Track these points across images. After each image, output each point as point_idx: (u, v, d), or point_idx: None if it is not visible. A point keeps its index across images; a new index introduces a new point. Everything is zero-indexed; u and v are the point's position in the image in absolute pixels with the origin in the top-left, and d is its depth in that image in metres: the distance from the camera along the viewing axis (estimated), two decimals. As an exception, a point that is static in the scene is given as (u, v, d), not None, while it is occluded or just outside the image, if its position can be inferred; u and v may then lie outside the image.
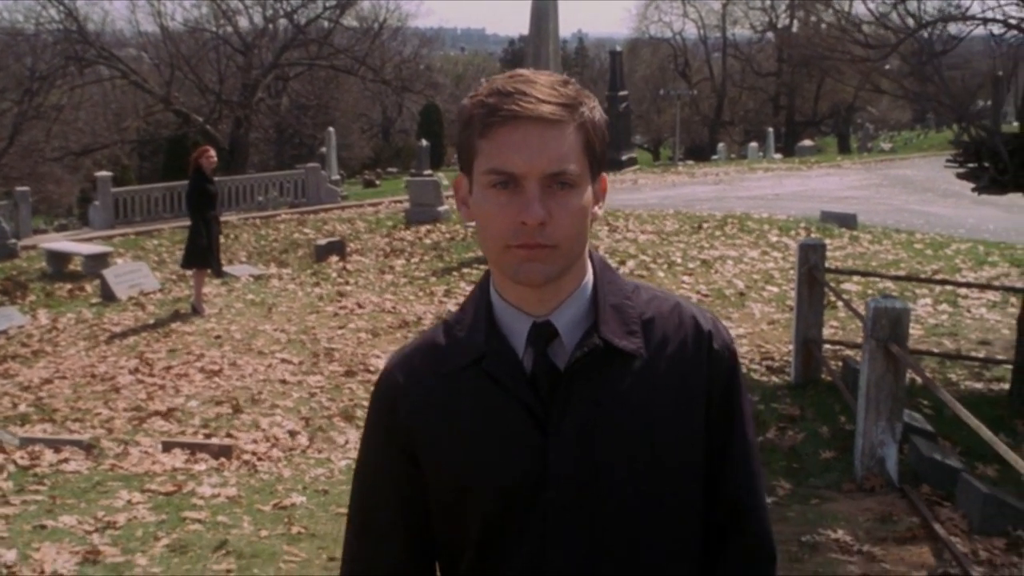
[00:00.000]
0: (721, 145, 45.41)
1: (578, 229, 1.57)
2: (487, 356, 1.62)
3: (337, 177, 31.30)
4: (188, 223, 13.41)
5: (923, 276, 13.02)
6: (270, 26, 32.74)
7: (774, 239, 16.10)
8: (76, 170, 35.13)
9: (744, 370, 9.12)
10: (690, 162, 38.37)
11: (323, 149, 35.09)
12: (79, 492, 6.49)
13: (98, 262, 15.42)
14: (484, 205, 1.57)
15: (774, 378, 9.24)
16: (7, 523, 5.88)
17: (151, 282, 14.40)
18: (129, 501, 6.26)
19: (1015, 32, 7.92)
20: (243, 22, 32.54)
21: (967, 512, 5.80)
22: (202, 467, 7.04)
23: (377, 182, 40.24)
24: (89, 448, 7.48)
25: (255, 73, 31.88)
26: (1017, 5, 8.06)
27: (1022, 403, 7.68)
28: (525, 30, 18.27)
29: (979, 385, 9.06)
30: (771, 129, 46.63)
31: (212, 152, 13.24)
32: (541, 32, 15.71)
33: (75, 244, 17.48)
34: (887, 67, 11.52)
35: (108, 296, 13.80)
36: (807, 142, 42.64)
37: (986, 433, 4.95)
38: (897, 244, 16.01)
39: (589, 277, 1.68)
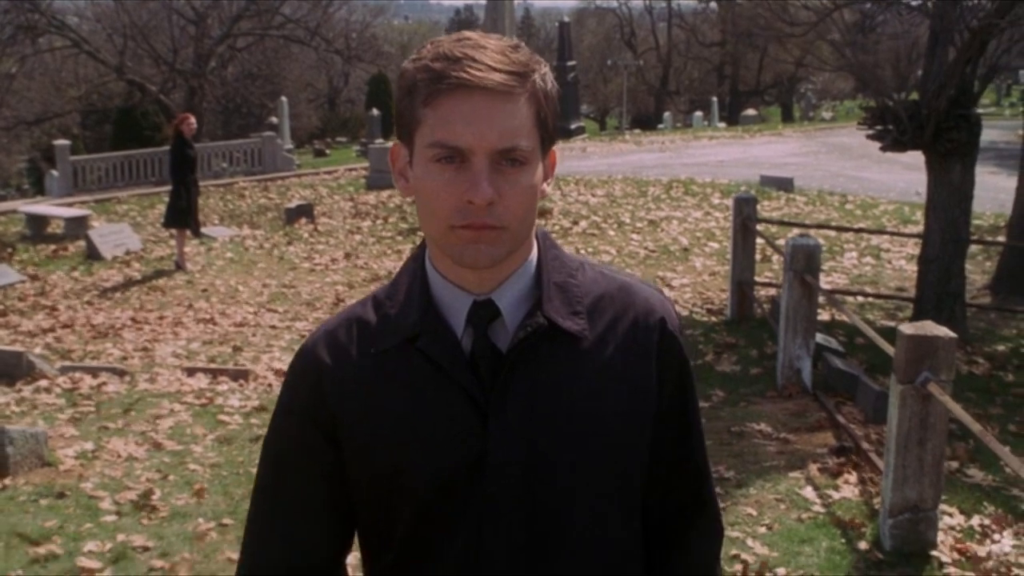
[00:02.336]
0: (667, 114, 46.95)
1: (528, 209, 1.49)
2: (423, 335, 1.53)
3: (291, 146, 32.37)
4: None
5: (841, 227, 14.62)
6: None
7: (716, 201, 17.62)
8: (18, 139, 35.78)
9: (686, 312, 10.84)
10: (636, 131, 39.77)
11: (272, 119, 36.09)
12: (125, 405, 7.79)
13: (79, 224, 16.55)
14: (426, 180, 1.47)
15: (712, 317, 10.73)
16: (74, 426, 7.19)
17: (134, 242, 15.60)
18: (171, 410, 7.60)
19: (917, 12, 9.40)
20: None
21: (863, 407, 7.32)
22: (224, 387, 8.38)
23: (327, 151, 41.34)
24: (122, 373, 8.76)
25: (208, 43, 32.79)
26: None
27: (921, 331, 9.21)
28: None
29: (892, 323, 10.63)
30: (715, 98, 48.34)
31: (192, 119, 14.52)
32: (498, 8, 17.02)
33: (55, 208, 18.58)
34: (829, 37, 12.90)
35: (94, 255, 14.97)
36: (750, 111, 44.31)
37: (880, 341, 6.41)
38: (830, 206, 17.62)
39: (534, 254, 1.60)
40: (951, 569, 4.99)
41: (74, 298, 13.26)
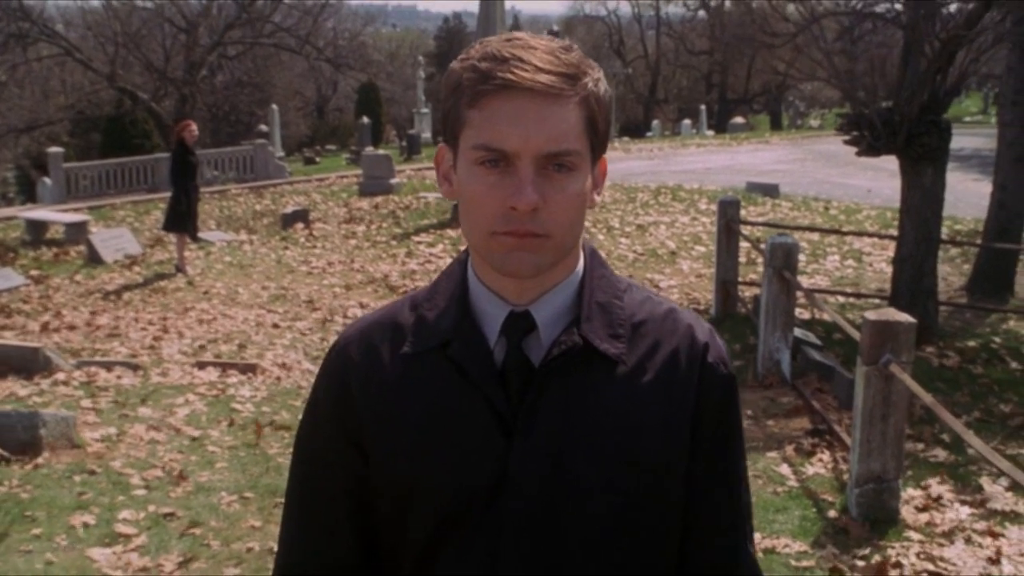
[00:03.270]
0: (656, 122, 47.57)
1: (574, 217, 1.46)
2: (454, 341, 1.51)
3: (282, 154, 32.90)
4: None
5: (818, 228, 15.27)
6: (214, 4, 34.19)
7: (703, 207, 18.21)
8: (6, 146, 36.26)
9: None
10: (625, 139, 40.36)
11: (262, 127, 36.59)
12: (140, 396, 8.32)
13: (78, 230, 17.07)
14: (470, 184, 1.45)
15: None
16: (96, 414, 7.71)
17: (134, 246, 16.11)
18: (186, 400, 8.13)
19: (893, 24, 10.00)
20: (187, -2, 33.98)
21: (838, 395, 7.89)
22: (234, 379, 8.91)
23: (317, 159, 41.82)
24: (135, 368, 9.28)
25: (199, 51, 33.35)
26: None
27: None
28: (458, 7, 20.11)
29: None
30: (704, 107, 49.07)
31: (194, 126, 15.04)
32: (490, 16, 17.62)
33: (54, 213, 19.10)
34: (820, 45, 13.47)
35: (95, 259, 15.47)
36: (739, 119, 45.04)
37: (849, 328, 6.98)
38: (814, 211, 18.24)
39: (579, 269, 1.55)
40: (912, 534, 5.55)
41: (77, 300, 13.75)
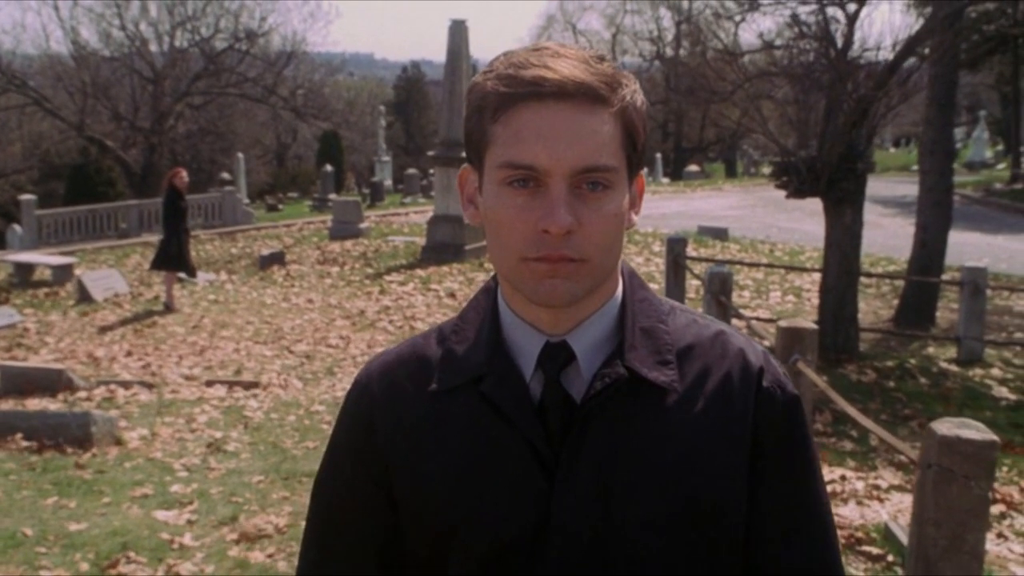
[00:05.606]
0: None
1: (611, 240, 1.36)
2: (487, 377, 1.41)
3: (248, 201, 34.33)
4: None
5: (762, 264, 16.95)
6: (180, 56, 35.73)
7: (657, 249, 19.82)
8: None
9: None
10: (583, 186, 42.04)
11: (224, 174, 38.03)
12: (160, 408, 9.68)
13: (65, 271, 18.38)
14: (497, 206, 1.35)
15: (650, 342, 12.83)
16: (127, 420, 9.07)
17: (122, 286, 17.45)
18: (202, 410, 9.51)
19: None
20: (154, 47, 35.46)
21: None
22: (240, 394, 10.29)
23: (279, 206, 43.27)
24: (150, 386, 10.64)
25: (166, 101, 34.84)
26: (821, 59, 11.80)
27: (823, 348, 11.34)
28: (415, 56, 21.82)
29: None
30: (660, 155, 51.04)
31: (184, 173, 16.50)
32: (456, 71, 19.24)
33: (42, 256, 20.41)
34: (775, 93, 15.04)
35: (85, 298, 16.77)
36: (693, 167, 47.11)
37: (771, 339, 8.49)
38: (761, 252, 19.92)
39: (618, 294, 1.46)
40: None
41: (74, 335, 15.04)
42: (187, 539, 6.18)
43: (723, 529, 1.42)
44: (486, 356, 1.44)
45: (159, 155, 34.40)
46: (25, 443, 8.07)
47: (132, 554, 5.92)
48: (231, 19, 38.06)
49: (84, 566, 5.76)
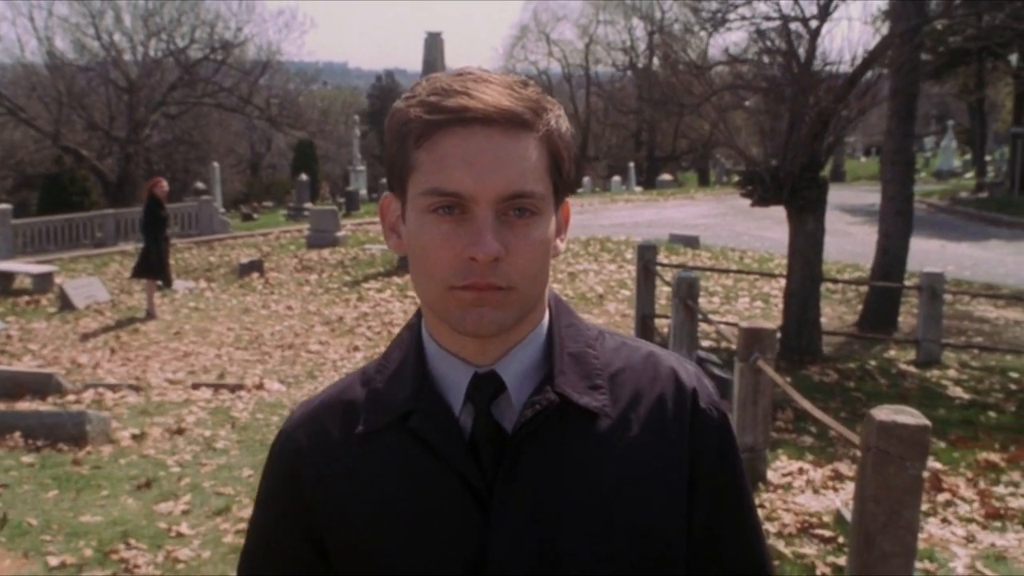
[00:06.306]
0: (586, 179, 50.02)
1: (539, 267, 1.35)
2: (415, 413, 1.39)
3: (224, 210, 34.66)
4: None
5: (731, 270, 17.50)
6: (156, 65, 36.09)
7: (629, 256, 20.30)
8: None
9: None
10: (557, 195, 42.53)
11: (199, 184, 38.36)
12: (150, 409, 10.08)
13: (46, 280, 18.74)
14: (421, 234, 1.32)
15: (622, 346, 13.32)
16: (117, 420, 9.47)
17: (103, 294, 17.82)
18: (191, 411, 9.92)
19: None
20: (128, 57, 35.79)
21: (730, 403, 9.89)
22: (226, 396, 10.70)
23: (254, 215, 43.54)
24: (138, 389, 11.03)
25: (142, 111, 35.18)
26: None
27: (787, 350, 11.86)
28: (389, 65, 22.29)
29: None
30: (633, 164, 51.66)
31: (164, 182, 16.92)
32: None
33: (21, 265, 20.73)
34: (746, 103, 15.55)
35: (67, 306, 17.14)
36: (666, 176, 47.80)
37: (733, 340, 8.98)
38: (731, 260, 20.46)
39: (545, 320, 1.45)
40: (776, 491, 7.51)
41: (57, 341, 15.40)
42: (184, 527, 6.60)
43: (663, 553, 1.41)
44: (412, 392, 1.41)
45: (135, 164, 34.72)
46: (23, 442, 8.47)
47: (132, 541, 6.34)
48: (206, 29, 38.54)
49: (88, 552, 6.18)
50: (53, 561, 6.01)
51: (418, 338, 1.45)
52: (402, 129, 1.34)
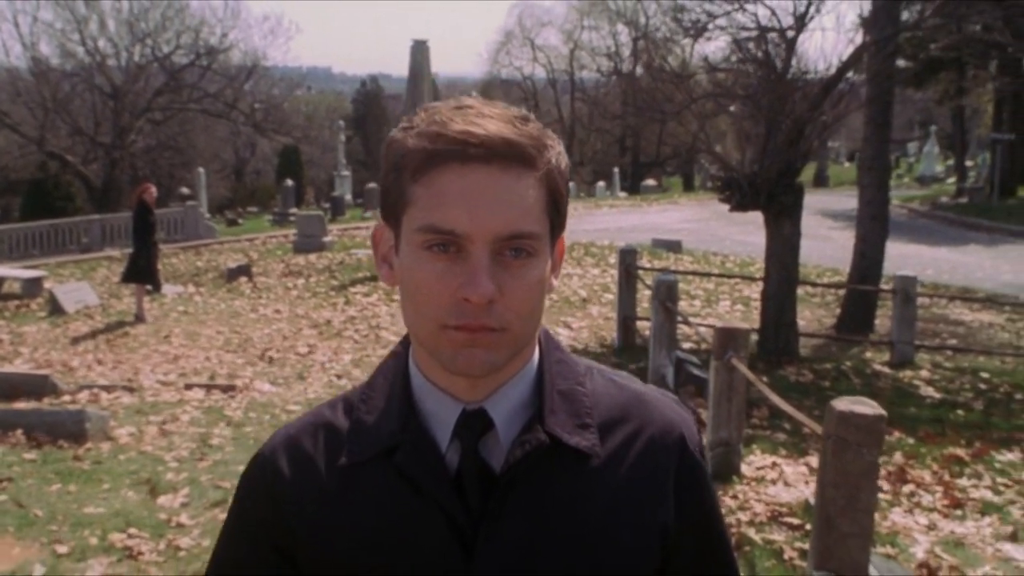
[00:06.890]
0: (571, 184, 50.44)
1: (533, 308, 1.34)
2: (400, 448, 1.37)
3: (209, 215, 34.99)
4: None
5: (711, 274, 17.94)
6: (141, 71, 36.40)
7: (612, 261, 20.63)
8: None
9: (582, 347, 13.79)
10: (542, 200, 42.97)
11: (184, 189, 38.65)
12: (145, 409, 10.43)
13: (35, 284, 19.06)
14: (415, 271, 1.31)
15: (603, 348, 13.71)
16: (113, 420, 9.82)
17: (93, 298, 18.15)
18: (185, 410, 10.27)
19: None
20: (113, 63, 36.09)
21: (706, 400, 10.30)
22: (218, 396, 11.05)
23: (239, 221, 43.89)
24: (131, 390, 11.37)
25: (127, 116, 35.48)
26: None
27: (764, 351, 12.27)
28: (373, 70, 22.68)
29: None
30: (617, 169, 52.16)
31: (153, 188, 17.27)
32: (417, 89, 20.13)
33: (11, 270, 21.04)
34: (731, 108, 15.95)
35: (57, 310, 17.46)
36: (650, 181, 48.29)
37: (710, 340, 9.37)
38: (712, 264, 20.90)
39: (535, 358, 1.44)
40: (750, 484, 7.91)
41: (48, 345, 15.71)
42: (183, 518, 6.96)
43: None
44: (398, 426, 1.39)
45: (120, 170, 35.02)
46: (24, 439, 8.82)
47: (134, 530, 6.70)
48: (191, 35, 38.86)
49: (93, 540, 6.53)
50: (61, 548, 6.36)
51: (405, 369, 1.44)
52: (399, 161, 1.32)
